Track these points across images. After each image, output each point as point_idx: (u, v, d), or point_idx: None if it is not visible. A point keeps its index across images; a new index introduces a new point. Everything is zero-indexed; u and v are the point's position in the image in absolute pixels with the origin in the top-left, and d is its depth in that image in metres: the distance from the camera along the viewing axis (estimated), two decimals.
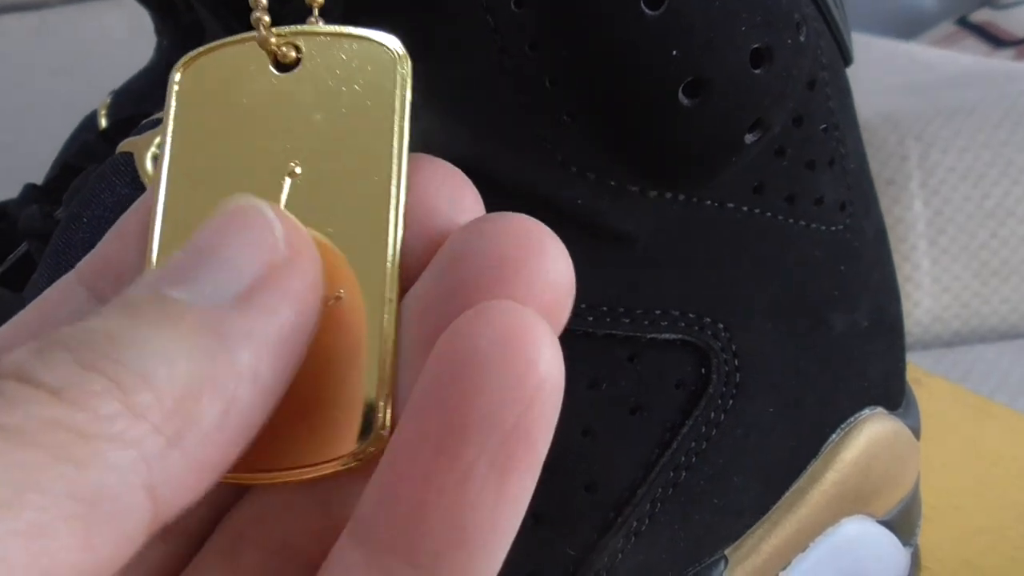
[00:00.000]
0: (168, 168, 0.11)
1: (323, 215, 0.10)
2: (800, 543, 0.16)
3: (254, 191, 0.10)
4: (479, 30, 0.13)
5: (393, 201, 0.10)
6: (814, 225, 0.16)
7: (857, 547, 0.17)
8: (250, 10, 0.12)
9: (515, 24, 0.13)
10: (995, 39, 1.08)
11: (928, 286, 0.57)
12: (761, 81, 0.13)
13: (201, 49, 0.12)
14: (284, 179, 0.11)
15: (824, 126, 0.16)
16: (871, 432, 0.17)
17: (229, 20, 0.15)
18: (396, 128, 0.10)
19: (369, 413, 0.10)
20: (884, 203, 0.64)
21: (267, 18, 0.11)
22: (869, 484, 0.17)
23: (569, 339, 0.14)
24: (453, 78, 0.13)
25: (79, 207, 0.16)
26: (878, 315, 0.17)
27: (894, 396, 0.18)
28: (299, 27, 0.11)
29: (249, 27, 0.13)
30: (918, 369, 0.28)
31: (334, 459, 0.10)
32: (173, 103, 0.11)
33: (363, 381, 0.10)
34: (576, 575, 0.14)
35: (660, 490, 0.14)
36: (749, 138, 0.14)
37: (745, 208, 0.15)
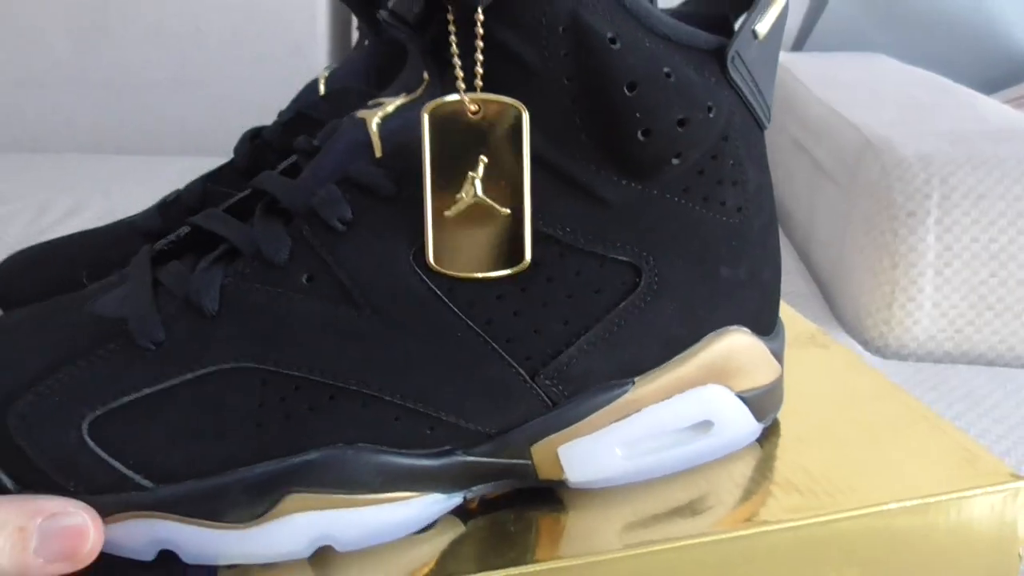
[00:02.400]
0: (429, 158, 0.26)
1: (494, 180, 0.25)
2: (679, 388, 0.29)
3: (465, 170, 0.25)
4: (543, 64, 0.26)
5: (524, 166, 0.25)
6: (718, 216, 0.29)
7: (715, 402, 0.30)
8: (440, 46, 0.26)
9: (560, 66, 0.26)
10: None
11: (928, 309, 0.66)
12: (681, 134, 0.26)
13: (434, 103, 0.26)
14: (480, 162, 0.25)
15: (732, 162, 0.28)
16: (733, 338, 0.30)
17: (426, 45, 0.28)
18: (525, 142, 0.25)
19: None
20: (902, 232, 0.73)
21: (466, 93, 0.25)
22: (729, 367, 0.30)
23: (572, 250, 0.27)
24: (527, 92, 0.26)
25: (333, 141, 0.30)
26: (753, 275, 0.30)
27: (763, 328, 0.31)
28: (480, 95, 0.25)
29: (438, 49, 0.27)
30: (827, 336, 0.40)
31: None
32: (426, 127, 0.26)
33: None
34: (548, 365, 0.27)
35: (604, 332, 0.28)
36: (675, 162, 0.27)
37: (676, 199, 0.28)
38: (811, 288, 0.76)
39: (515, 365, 0.27)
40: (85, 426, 0.25)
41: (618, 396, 0.28)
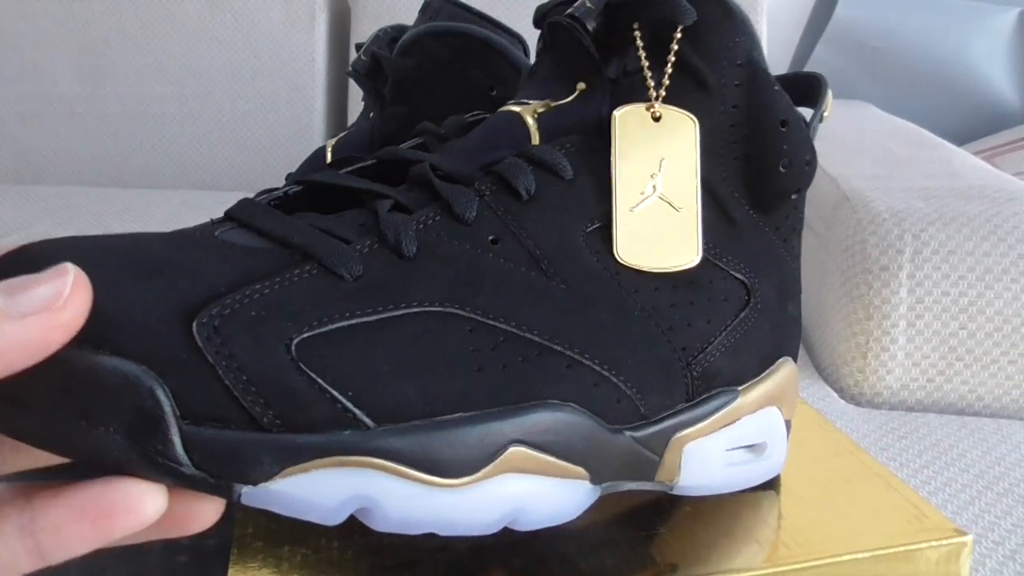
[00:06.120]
0: (618, 155, 0.27)
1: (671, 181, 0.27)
2: (761, 404, 0.32)
3: (647, 170, 0.26)
4: (718, 88, 0.30)
5: (696, 170, 0.27)
6: (788, 258, 0.34)
7: (775, 423, 0.33)
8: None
9: (731, 93, 0.30)
10: None
11: (901, 359, 0.68)
12: (806, 172, 0.31)
13: (624, 108, 0.28)
14: (660, 163, 0.27)
15: (800, 215, 0.34)
16: (791, 367, 0.34)
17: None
18: (697, 150, 0.28)
19: None
20: (875, 285, 0.81)
21: (658, 106, 0.28)
22: (785, 393, 0.33)
23: (706, 260, 0.30)
24: (699, 109, 0.29)
25: (484, 126, 0.30)
26: (799, 313, 0.35)
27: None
28: (663, 105, 0.28)
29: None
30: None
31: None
32: (616, 127, 0.28)
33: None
34: (696, 357, 0.29)
35: (730, 338, 0.30)
36: (794, 197, 0.31)
37: (771, 235, 0.32)
38: None
39: (677, 351, 0.28)
40: (294, 346, 0.21)
41: (732, 400, 0.30)
